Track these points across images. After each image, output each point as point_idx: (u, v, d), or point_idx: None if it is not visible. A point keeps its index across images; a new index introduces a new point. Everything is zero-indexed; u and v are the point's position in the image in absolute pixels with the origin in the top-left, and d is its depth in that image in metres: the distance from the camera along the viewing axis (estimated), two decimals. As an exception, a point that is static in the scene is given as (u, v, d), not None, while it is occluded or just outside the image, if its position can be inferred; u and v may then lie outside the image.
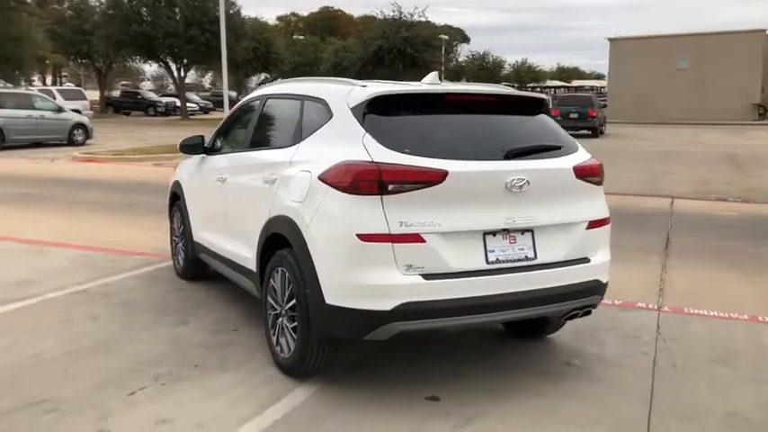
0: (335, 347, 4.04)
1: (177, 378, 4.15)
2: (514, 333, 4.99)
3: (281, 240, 4.12)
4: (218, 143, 5.81)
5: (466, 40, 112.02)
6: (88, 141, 23.27)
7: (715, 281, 6.77)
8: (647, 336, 5.11)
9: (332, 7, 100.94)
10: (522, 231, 3.94)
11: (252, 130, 5.19)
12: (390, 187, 3.60)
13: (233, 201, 5.07)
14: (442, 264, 3.68)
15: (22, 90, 25.76)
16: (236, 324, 5.17)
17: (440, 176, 3.65)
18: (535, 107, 4.40)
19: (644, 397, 4.04)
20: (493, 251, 3.83)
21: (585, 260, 4.15)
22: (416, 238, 3.62)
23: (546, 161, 4.05)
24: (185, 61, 41.37)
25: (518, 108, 4.36)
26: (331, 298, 3.70)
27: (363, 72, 46.09)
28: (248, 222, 4.60)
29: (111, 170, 16.22)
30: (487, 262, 3.81)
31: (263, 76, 58.06)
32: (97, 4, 41.60)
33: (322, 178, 3.81)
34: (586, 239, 4.17)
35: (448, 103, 4.12)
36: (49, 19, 43.61)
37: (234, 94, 43.37)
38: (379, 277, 3.59)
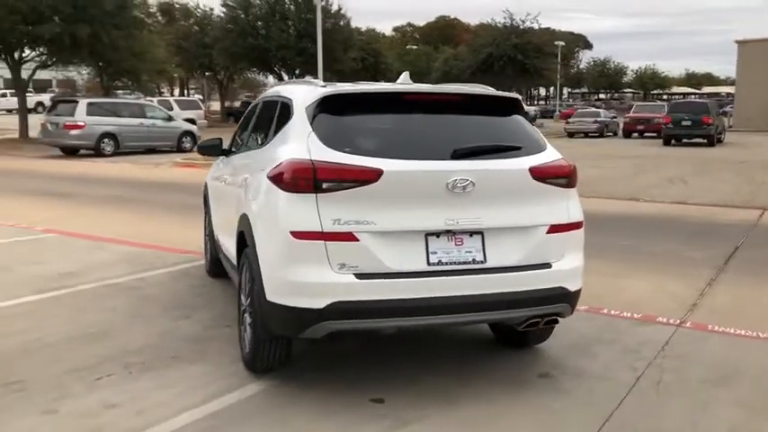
0: (290, 345, 4.10)
1: (148, 367, 4.35)
2: (503, 341, 4.83)
3: (244, 238, 4.24)
4: (233, 146, 6.04)
5: (588, 46, 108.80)
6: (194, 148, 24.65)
7: (759, 299, 6.23)
8: (649, 351, 4.79)
9: (448, 16, 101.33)
10: (471, 233, 3.83)
11: (248, 132, 5.38)
12: (325, 185, 3.62)
13: (227, 201, 5.27)
14: (377, 264, 3.65)
15: (135, 100, 27.72)
16: (232, 320, 5.33)
17: (374, 175, 3.62)
18: (505, 108, 4.27)
19: (604, 413, 3.80)
20: (435, 252, 3.75)
21: (546, 266, 3.97)
22: (349, 236, 3.61)
23: (496, 162, 3.92)
24: (297, 72, 42.87)
25: (484, 108, 4.25)
26: (271, 295, 3.76)
27: (472, 80, 45.96)
28: (232, 221, 4.76)
29: (204, 175, 17.06)
30: (428, 263, 3.73)
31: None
32: (218, 19, 43.94)
33: (269, 176, 3.89)
34: (547, 244, 3.99)
35: (406, 103, 4.08)
36: (176, 35, 46.55)
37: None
38: (311, 275, 3.62)
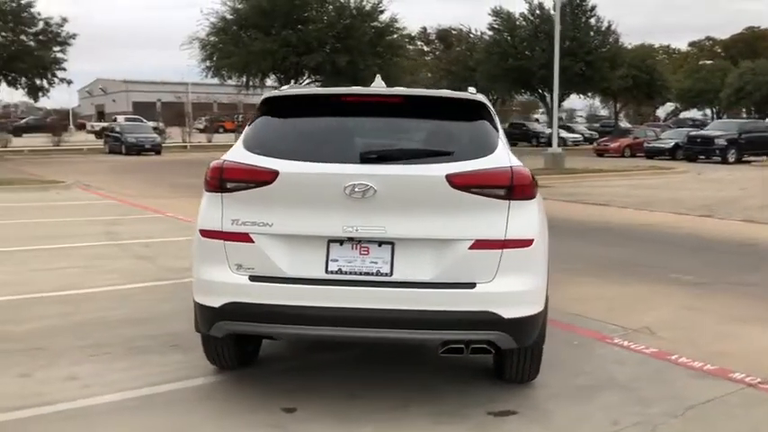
0: (238, 344, 4.15)
1: (140, 351, 4.75)
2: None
3: None
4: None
5: None
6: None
7: None
8: (668, 406, 3.94)
9: (758, 27, 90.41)
10: (380, 243, 3.55)
11: None
12: (229, 185, 3.66)
13: None
14: (273, 267, 3.57)
15: None
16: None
17: (270, 176, 3.56)
18: (459, 110, 3.89)
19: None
20: (336, 260, 3.56)
21: (468, 286, 3.51)
22: (245, 237, 3.60)
23: (405, 167, 3.58)
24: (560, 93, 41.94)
25: (434, 111, 3.91)
26: (193, 291, 3.89)
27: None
28: None
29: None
30: (327, 271, 3.55)
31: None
32: (483, 42, 44.91)
33: None
34: (470, 261, 3.53)
35: (343, 105, 3.93)
36: (448, 60, 48.71)
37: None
38: (213, 274, 3.67)
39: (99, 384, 4.16)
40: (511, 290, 3.56)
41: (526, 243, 3.60)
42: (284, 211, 3.59)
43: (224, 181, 3.68)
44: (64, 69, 33.66)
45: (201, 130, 48.35)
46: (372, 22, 30.11)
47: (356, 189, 3.48)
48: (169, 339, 4.97)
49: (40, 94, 34.31)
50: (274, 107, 3.98)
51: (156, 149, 34.96)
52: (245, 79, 31.84)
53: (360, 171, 3.53)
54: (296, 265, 3.57)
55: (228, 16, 29.80)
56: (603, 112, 77.06)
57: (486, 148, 3.71)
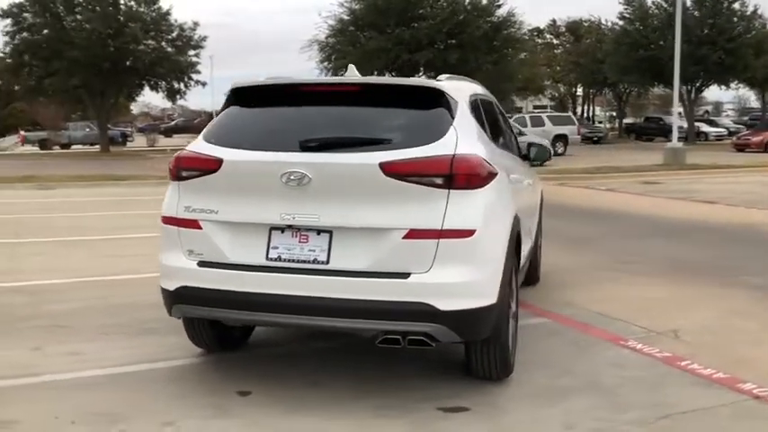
0: (214, 327, 4.29)
1: (144, 332, 5.02)
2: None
3: None
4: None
5: None
6: (546, 163, 24.72)
7: None
8: (642, 414, 3.67)
9: None
10: (319, 231, 3.56)
11: None
12: (184, 174, 3.83)
13: None
14: (219, 253, 3.69)
15: None
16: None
17: (215, 165, 3.68)
18: (415, 98, 3.83)
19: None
20: (276, 248, 3.61)
21: (402, 276, 3.44)
22: (195, 224, 3.73)
23: (340, 155, 3.55)
24: (697, 83, 39.30)
25: (391, 99, 3.86)
26: None
27: None
28: None
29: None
30: (267, 258, 3.61)
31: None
32: (611, 32, 42.95)
33: None
34: (404, 251, 3.45)
35: (302, 95, 3.97)
36: (576, 52, 47.01)
37: None
38: (170, 258, 3.86)
39: (94, 360, 4.47)
40: (448, 281, 3.45)
41: (466, 234, 3.47)
42: (228, 199, 3.69)
43: (180, 170, 3.85)
44: (198, 72, 36.00)
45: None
46: (488, 17, 29.73)
47: (292, 177, 3.51)
48: (175, 323, 5.21)
49: (178, 96, 36.90)
50: (238, 98, 4.09)
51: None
52: (361, 78, 32.41)
53: (295, 159, 3.56)
54: (239, 251, 3.67)
55: (345, 17, 30.58)
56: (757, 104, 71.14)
57: (433, 136, 3.61)
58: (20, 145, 46.20)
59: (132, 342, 4.82)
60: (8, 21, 32.57)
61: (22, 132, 49.04)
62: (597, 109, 69.03)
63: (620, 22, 41.47)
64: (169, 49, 34.99)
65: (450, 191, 3.47)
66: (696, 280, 6.84)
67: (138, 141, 49.43)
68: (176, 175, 3.87)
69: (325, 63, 31.50)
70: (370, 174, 3.47)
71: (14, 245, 8.79)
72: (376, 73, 31.84)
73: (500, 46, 29.05)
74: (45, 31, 32.57)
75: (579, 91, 59.34)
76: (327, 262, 3.54)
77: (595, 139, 43.49)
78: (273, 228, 3.64)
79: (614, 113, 60.04)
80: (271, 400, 3.80)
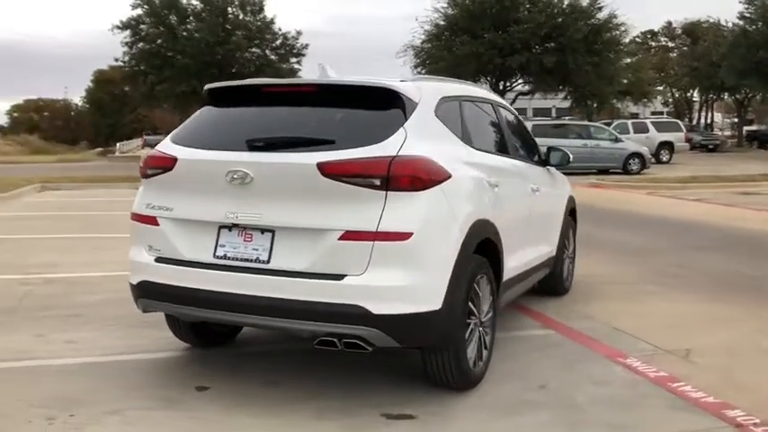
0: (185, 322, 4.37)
1: (143, 325, 5.04)
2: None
3: None
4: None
5: None
6: (644, 171, 23.65)
7: None
8: (592, 433, 3.44)
9: None
10: (262, 231, 3.58)
11: None
12: (149, 172, 3.96)
13: None
14: (174, 250, 3.78)
15: (581, 122, 27.94)
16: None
17: (171, 163, 3.78)
18: (373, 99, 3.78)
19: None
20: (223, 246, 3.65)
21: (337, 277, 3.39)
22: (154, 221, 3.85)
23: (281, 155, 3.55)
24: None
25: (346, 99, 3.81)
26: None
27: None
28: None
29: (601, 195, 16.53)
30: (215, 256, 3.66)
31: None
32: (728, 34, 40.41)
33: None
34: (339, 253, 3.40)
35: (264, 96, 4.00)
36: (692, 55, 44.54)
37: None
38: (134, 253, 3.99)
39: (87, 348, 4.68)
40: (382, 285, 3.37)
41: (402, 237, 3.38)
42: (182, 197, 3.78)
43: (146, 168, 3.99)
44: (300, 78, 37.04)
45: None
46: (588, 19, 28.75)
47: (235, 176, 3.55)
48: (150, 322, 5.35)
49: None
50: (212, 99, 4.18)
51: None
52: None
53: (239, 159, 3.60)
54: (191, 248, 3.74)
55: (441, 22, 30.53)
56: None
57: (378, 137, 3.54)
58: (141, 148, 49.49)
59: (128, 333, 5.00)
60: (127, 32, 34.91)
61: (144, 136, 52.58)
62: (718, 115, 65.16)
63: (740, 23, 39.00)
64: (272, 57, 36.27)
65: (388, 193, 3.39)
66: (740, 298, 6.30)
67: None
68: (143, 173, 4.01)
69: (420, 68, 31.59)
70: (308, 174, 3.44)
71: (101, 239, 9.23)
72: (469, 78, 31.71)
73: (601, 49, 28.01)
74: (158, 41, 34.60)
75: (696, 96, 56.18)
76: (268, 261, 3.54)
77: (711, 147, 41.13)
78: (222, 226, 3.68)
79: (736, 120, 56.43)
80: (223, 397, 3.84)
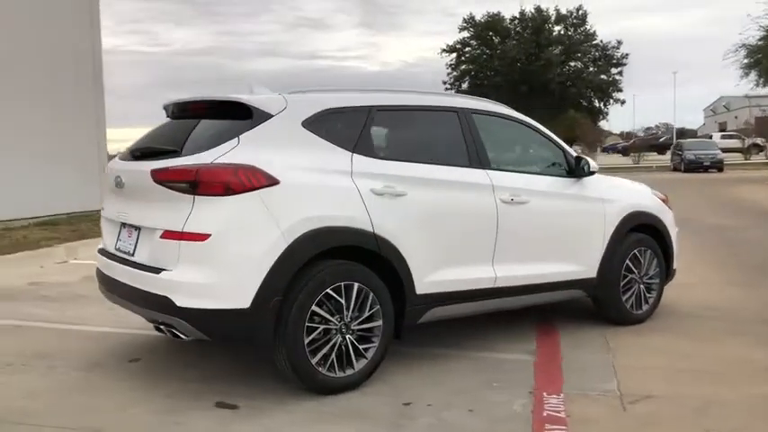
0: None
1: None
2: None
3: None
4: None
5: None
6: None
7: None
8: None
9: None
10: (135, 228, 4.11)
11: None
12: None
13: None
14: (104, 243, 4.56)
15: None
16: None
17: (105, 170, 4.56)
18: (224, 111, 4.10)
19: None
20: (121, 240, 4.26)
21: (158, 271, 3.80)
22: (101, 218, 4.68)
23: (139, 163, 4.05)
24: None
25: (213, 113, 4.17)
26: None
27: None
28: None
29: None
30: (115, 248, 4.30)
31: None
32: None
33: None
34: (161, 249, 3.81)
35: (173, 112, 4.51)
36: None
37: None
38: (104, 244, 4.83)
39: (69, 318, 5.73)
40: (185, 280, 3.68)
41: (201, 237, 3.64)
42: (106, 199, 4.56)
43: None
44: (620, 90, 35.34)
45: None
46: None
47: (116, 182, 4.23)
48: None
49: (600, 116, 36.80)
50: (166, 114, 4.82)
51: (718, 166, 33.13)
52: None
53: (117, 166, 4.28)
54: (108, 241, 4.48)
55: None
56: None
57: (208, 146, 3.84)
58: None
59: (120, 310, 5.09)
60: (453, 55, 37.44)
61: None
62: None
63: None
64: (590, 69, 35.29)
65: (195, 197, 3.69)
66: None
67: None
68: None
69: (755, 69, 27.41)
70: (146, 180, 3.91)
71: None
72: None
73: None
74: (479, 61, 36.29)
75: None
76: (133, 254, 4.10)
77: None
78: (123, 224, 4.33)
79: None
80: (130, 370, 4.45)
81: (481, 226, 4.61)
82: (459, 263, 4.49)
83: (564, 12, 34.70)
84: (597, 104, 35.55)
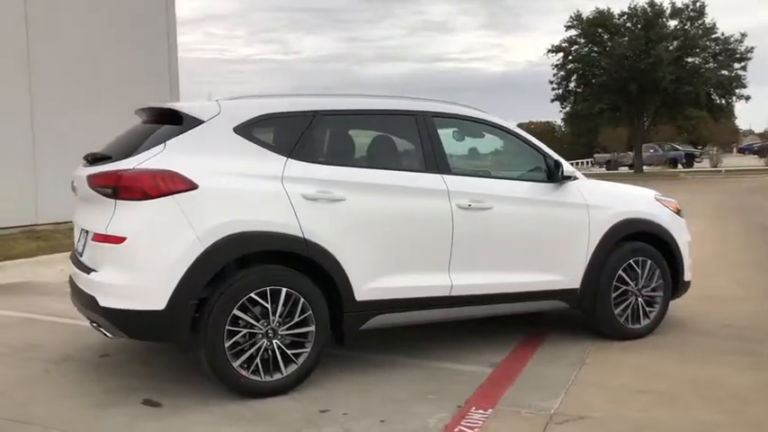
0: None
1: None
2: None
3: None
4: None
5: None
6: None
7: None
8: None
9: None
10: (86, 231, 4.29)
11: None
12: None
13: None
14: (75, 247, 4.79)
15: None
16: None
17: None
18: (162, 118, 4.22)
19: None
20: (81, 242, 4.46)
21: (90, 271, 3.98)
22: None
23: (88, 168, 4.20)
24: None
25: (161, 120, 4.26)
26: None
27: None
28: None
29: None
30: (77, 251, 4.51)
31: None
32: None
33: None
34: (92, 250, 3.99)
35: (141, 116, 4.59)
36: None
37: None
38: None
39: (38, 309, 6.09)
40: (104, 281, 3.84)
41: (117, 240, 3.76)
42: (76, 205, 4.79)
43: None
44: (744, 86, 32.77)
45: None
46: None
47: (72, 186, 4.44)
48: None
49: (722, 114, 34.32)
50: None
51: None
52: None
53: (75, 172, 4.44)
54: (78, 243, 4.70)
55: None
56: None
57: (134, 152, 3.95)
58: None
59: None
60: (560, 55, 36.23)
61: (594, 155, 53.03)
62: None
63: None
64: (709, 65, 32.99)
65: (117, 201, 3.81)
66: None
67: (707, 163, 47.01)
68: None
69: None
70: (85, 184, 4.09)
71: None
72: None
73: None
74: (587, 59, 34.91)
75: None
76: (82, 255, 4.29)
77: None
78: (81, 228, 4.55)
79: None
80: (96, 364, 4.65)
81: (434, 232, 4.44)
82: (408, 270, 4.36)
83: (679, 5, 32.73)
84: (718, 101, 33.22)
